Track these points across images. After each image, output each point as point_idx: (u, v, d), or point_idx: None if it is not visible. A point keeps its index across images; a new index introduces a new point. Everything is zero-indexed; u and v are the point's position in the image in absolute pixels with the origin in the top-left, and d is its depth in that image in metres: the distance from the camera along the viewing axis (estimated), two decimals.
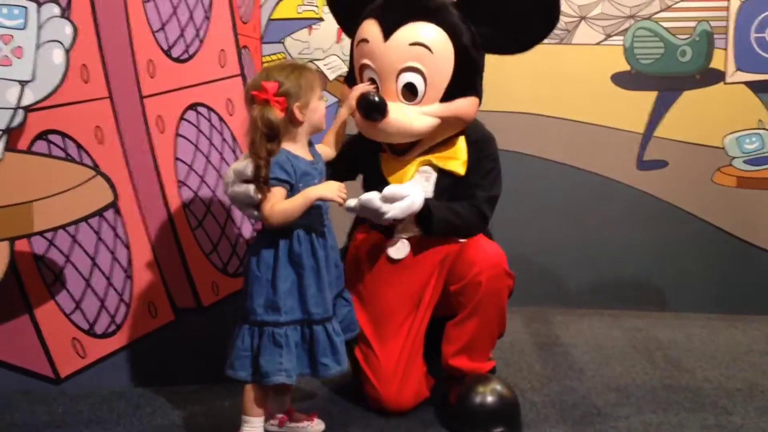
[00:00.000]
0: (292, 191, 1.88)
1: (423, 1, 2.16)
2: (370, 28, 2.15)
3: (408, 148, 2.21)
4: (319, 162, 2.00)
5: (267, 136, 1.83)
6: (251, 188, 1.88)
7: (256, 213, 1.93)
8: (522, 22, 2.15)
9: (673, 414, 2.27)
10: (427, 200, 2.14)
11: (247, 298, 1.93)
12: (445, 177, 2.23)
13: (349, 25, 2.33)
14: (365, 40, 2.16)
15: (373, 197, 2.05)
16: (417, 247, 2.23)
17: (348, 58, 2.34)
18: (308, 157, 1.95)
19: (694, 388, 2.49)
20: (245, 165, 1.90)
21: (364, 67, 2.18)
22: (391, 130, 2.11)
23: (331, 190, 1.91)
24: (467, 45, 2.15)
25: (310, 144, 2.01)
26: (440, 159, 2.23)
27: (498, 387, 2.13)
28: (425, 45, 2.10)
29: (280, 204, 1.86)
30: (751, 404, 2.35)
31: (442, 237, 2.21)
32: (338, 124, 2.17)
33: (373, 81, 2.17)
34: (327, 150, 2.12)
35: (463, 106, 2.17)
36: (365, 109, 2.08)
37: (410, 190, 2.09)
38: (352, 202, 2.04)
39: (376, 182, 2.20)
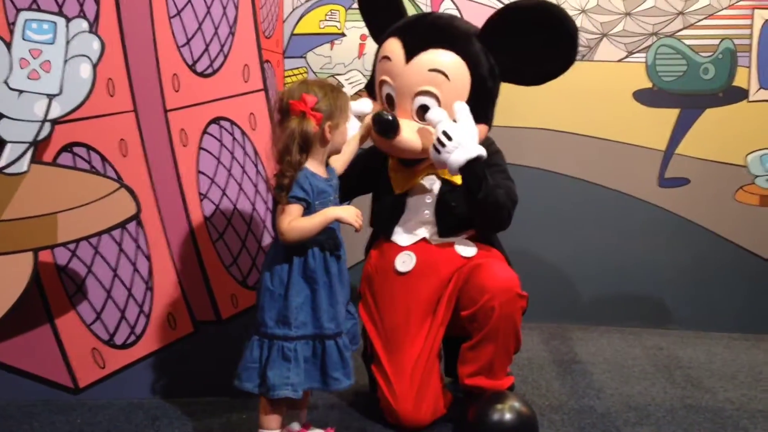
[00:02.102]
0: (308, 208, 1.90)
1: (447, 28, 2.22)
2: (394, 47, 2.20)
3: (416, 162, 2.26)
4: (333, 178, 2.01)
5: (301, 148, 1.87)
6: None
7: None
8: (540, 56, 2.19)
9: None
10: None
11: (258, 310, 1.95)
12: (447, 185, 2.28)
13: (375, 31, 2.41)
14: (387, 58, 2.21)
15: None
16: (424, 259, 2.25)
17: (369, 73, 2.37)
18: (324, 174, 1.97)
19: (715, 409, 2.46)
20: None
21: (383, 82, 2.24)
22: (402, 147, 2.17)
23: (349, 213, 1.93)
24: (484, 75, 2.20)
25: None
26: (444, 171, 2.26)
27: (516, 404, 2.12)
28: (444, 72, 2.15)
29: (298, 221, 1.88)
30: None
31: (460, 225, 2.26)
32: (353, 142, 2.19)
33: (390, 97, 2.22)
34: (337, 164, 2.12)
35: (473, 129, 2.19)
36: (379, 126, 2.13)
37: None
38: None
39: (383, 191, 2.30)
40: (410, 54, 2.17)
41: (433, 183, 2.29)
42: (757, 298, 3.37)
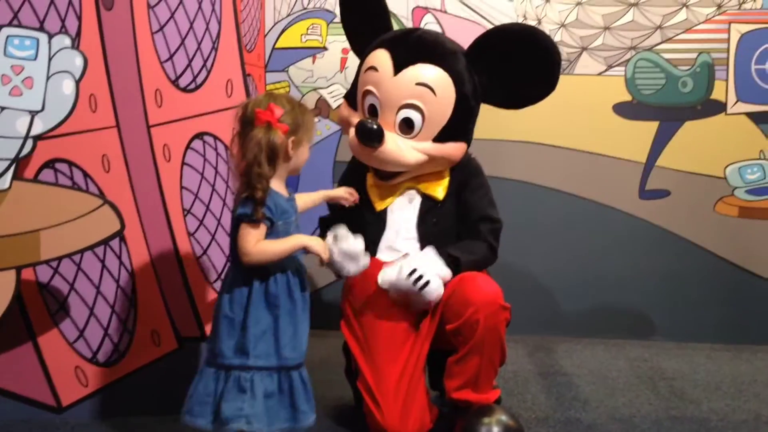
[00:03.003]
0: (271, 227, 1.83)
1: (436, 44, 2.25)
2: (382, 59, 2.22)
3: (393, 175, 2.27)
4: (293, 200, 1.95)
5: (269, 159, 1.79)
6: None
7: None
8: (522, 81, 2.24)
9: None
10: (452, 254, 2.20)
11: (216, 340, 1.85)
12: (427, 200, 2.30)
13: (358, 45, 2.42)
14: (374, 68, 2.22)
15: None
16: None
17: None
18: (286, 193, 1.91)
19: (700, 420, 2.48)
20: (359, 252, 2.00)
21: (367, 92, 2.25)
22: (383, 158, 2.19)
23: (319, 244, 1.90)
24: (468, 94, 2.23)
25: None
26: (423, 185, 2.29)
27: (503, 417, 2.13)
28: (430, 87, 2.17)
29: (265, 244, 1.81)
30: None
31: None
32: (318, 197, 2.22)
33: (373, 107, 2.23)
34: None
35: (452, 149, 2.25)
36: (363, 135, 2.15)
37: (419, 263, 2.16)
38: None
39: (363, 208, 2.29)
40: (399, 67, 2.19)
41: (413, 198, 2.30)
42: (738, 309, 3.40)
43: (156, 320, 2.40)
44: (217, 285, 2.44)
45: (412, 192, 2.30)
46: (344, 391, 2.50)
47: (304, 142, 1.89)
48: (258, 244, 1.79)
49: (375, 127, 2.14)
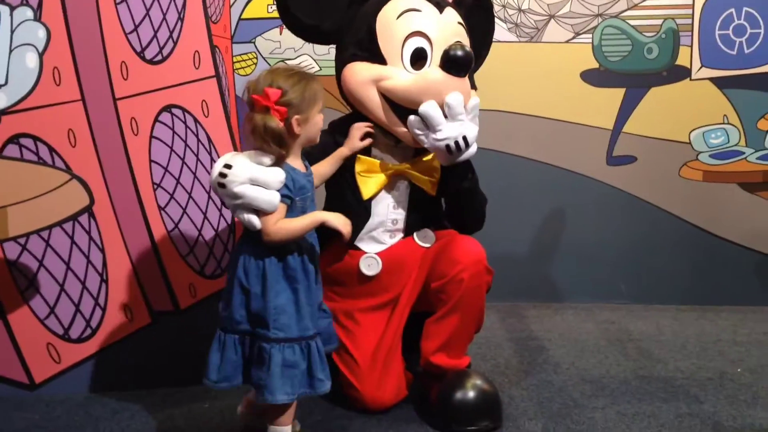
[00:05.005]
0: (291, 205, 1.84)
1: None
2: (418, 1, 2.15)
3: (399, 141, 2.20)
4: (311, 173, 1.95)
5: (277, 144, 1.78)
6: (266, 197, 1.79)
7: (253, 219, 1.80)
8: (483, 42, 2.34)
9: (647, 404, 2.32)
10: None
11: (231, 308, 1.88)
12: (417, 192, 2.26)
13: (311, 33, 2.28)
14: (416, 10, 2.14)
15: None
16: (389, 259, 2.24)
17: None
18: (303, 168, 1.91)
19: (667, 378, 2.54)
20: (266, 171, 1.79)
21: (413, 35, 2.12)
22: (465, 90, 2.09)
23: (339, 219, 1.90)
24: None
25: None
26: (415, 172, 2.23)
27: (479, 382, 2.15)
28: (465, 27, 2.21)
29: (285, 222, 1.82)
30: (721, 392, 2.41)
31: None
32: (334, 159, 2.16)
33: (420, 52, 2.12)
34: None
35: (475, 95, 2.22)
36: (456, 65, 2.03)
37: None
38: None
39: (348, 193, 2.22)
40: (440, 7, 2.16)
41: (400, 188, 2.25)
42: (703, 270, 3.47)
43: (128, 295, 2.39)
44: (189, 258, 2.43)
45: (402, 182, 2.25)
46: None
47: (311, 116, 1.84)
48: (278, 222, 1.81)
49: (464, 51, 2.03)
